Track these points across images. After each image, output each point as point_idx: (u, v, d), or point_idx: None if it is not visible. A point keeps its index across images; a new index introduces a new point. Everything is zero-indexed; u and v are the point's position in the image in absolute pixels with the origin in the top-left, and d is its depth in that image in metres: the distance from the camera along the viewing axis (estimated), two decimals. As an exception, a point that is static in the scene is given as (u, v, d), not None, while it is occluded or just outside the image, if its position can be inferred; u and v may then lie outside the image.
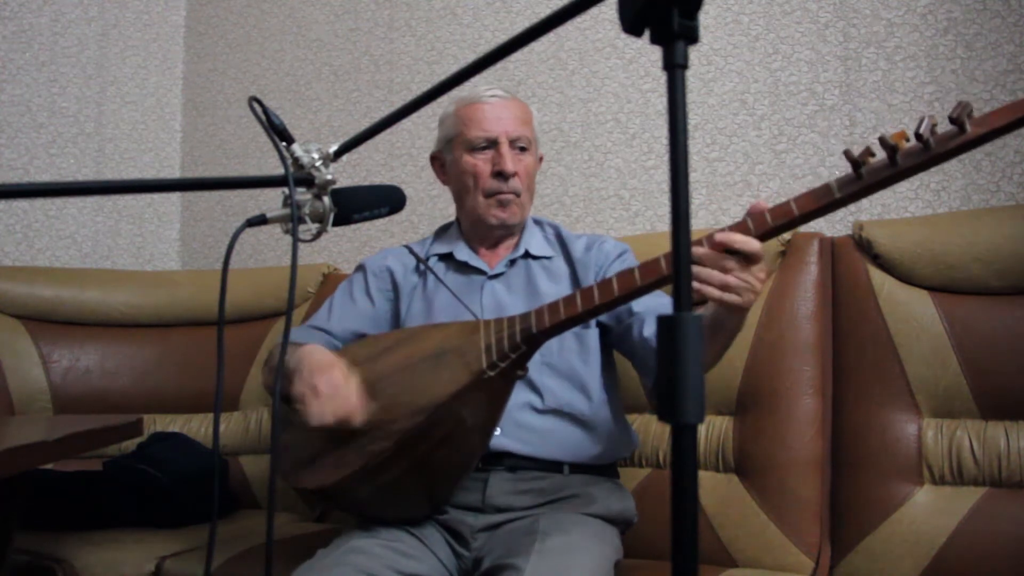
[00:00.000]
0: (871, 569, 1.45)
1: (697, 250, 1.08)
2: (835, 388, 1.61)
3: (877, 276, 1.60)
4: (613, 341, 1.47)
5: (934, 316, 1.53)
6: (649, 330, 1.35)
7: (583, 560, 1.18)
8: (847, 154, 1.02)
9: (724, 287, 1.08)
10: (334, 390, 1.23)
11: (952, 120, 0.97)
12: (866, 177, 1.03)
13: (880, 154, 1.02)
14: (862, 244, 1.63)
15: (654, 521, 1.48)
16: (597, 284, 1.17)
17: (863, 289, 1.60)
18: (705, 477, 1.61)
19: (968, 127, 0.98)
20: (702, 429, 1.65)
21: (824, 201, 1.06)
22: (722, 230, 1.09)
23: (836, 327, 1.64)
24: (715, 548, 1.55)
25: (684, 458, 0.55)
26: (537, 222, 1.59)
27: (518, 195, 1.47)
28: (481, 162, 1.46)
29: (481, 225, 1.50)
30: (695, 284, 1.07)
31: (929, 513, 1.45)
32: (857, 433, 1.54)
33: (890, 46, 1.87)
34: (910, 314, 1.54)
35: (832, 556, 1.51)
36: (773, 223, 1.09)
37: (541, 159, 1.58)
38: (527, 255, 1.51)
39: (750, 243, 1.07)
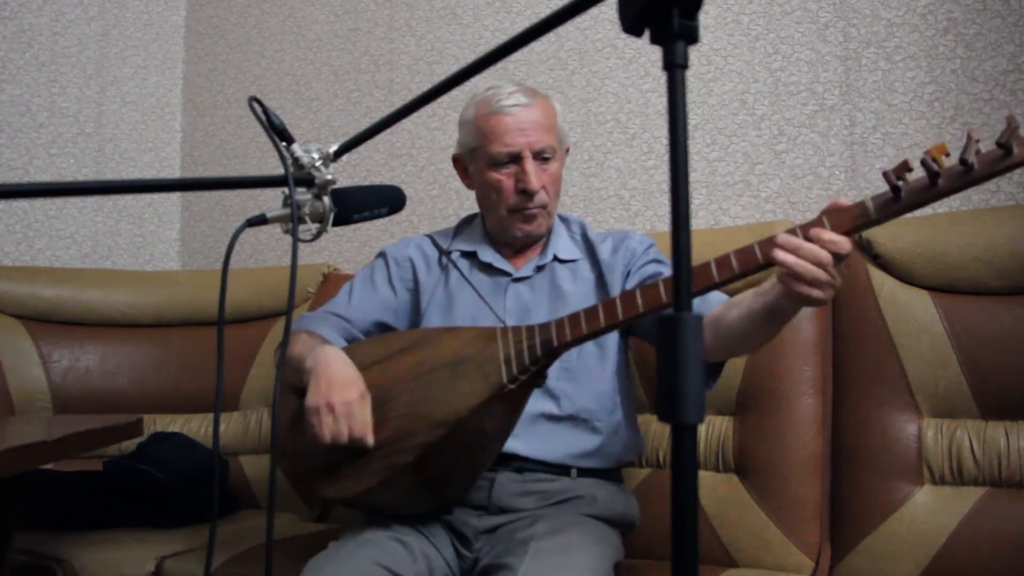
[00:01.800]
0: (871, 569, 1.45)
1: (794, 241, 1.02)
2: (835, 388, 1.61)
3: (877, 276, 1.60)
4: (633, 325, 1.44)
5: (934, 316, 1.52)
6: None
7: (579, 560, 1.18)
8: (886, 176, 0.98)
9: (815, 283, 1.02)
10: (349, 410, 1.22)
11: (999, 145, 0.94)
12: (905, 198, 0.99)
13: (918, 171, 0.98)
14: (862, 244, 1.63)
15: (654, 521, 1.48)
16: (620, 298, 1.15)
17: (863, 289, 1.60)
18: (705, 477, 1.61)
19: (1015, 149, 0.94)
20: (702, 429, 1.65)
21: (859, 222, 1.03)
22: (807, 226, 1.05)
23: (836, 327, 1.64)
24: (715, 548, 1.55)
25: (684, 458, 0.55)
26: (563, 219, 1.56)
27: (544, 207, 1.44)
28: (505, 178, 1.42)
29: (507, 235, 1.48)
30: (785, 275, 1.03)
31: (929, 513, 1.45)
32: (857, 433, 1.54)
33: (890, 46, 1.87)
34: (910, 314, 1.54)
35: (832, 556, 1.51)
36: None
37: (568, 150, 1.53)
38: (555, 259, 1.48)
39: (844, 244, 1.02)
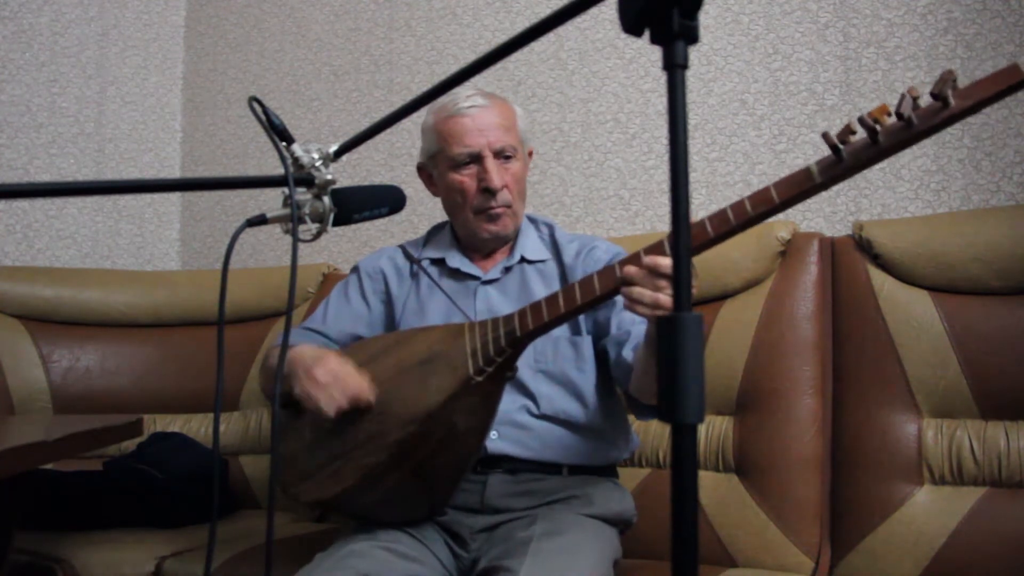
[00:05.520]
0: (871, 569, 1.45)
1: (629, 270, 1.07)
2: (835, 388, 1.61)
3: (877, 276, 1.60)
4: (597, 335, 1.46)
5: (934, 316, 1.53)
6: (626, 351, 1.34)
7: (580, 561, 1.18)
8: (826, 137, 0.98)
9: (655, 305, 1.06)
10: (334, 376, 1.24)
11: (934, 96, 0.93)
12: (847, 159, 0.98)
13: (860, 133, 0.97)
14: (862, 244, 1.63)
15: (654, 521, 1.48)
16: (578, 283, 1.16)
17: (863, 289, 1.60)
18: (705, 477, 1.61)
19: (952, 100, 0.93)
20: (702, 429, 1.65)
21: (805, 187, 1.02)
22: (650, 249, 1.09)
23: (836, 327, 1.64)
24: (715, 548, 1.55)
25: (684, 458, 0.55)
26: (532, 220, 1.57)
27: (509, 206, 1.44)
28: (467, 179, 1.42)
29: (475, 239, 1.48)
30: (627, 303, 1.09)
31: (929, 513, 1.45)
32: (857, 433, 1.54)
33: (890, 46, 1.87)
34: (910, 314, 1.54)
35: (832, 556, 1.52)
36: (753, 211, 1.05)
37: (531, 154, 1.54)
38: (522, 260, 1.49)
39: (663, 264, 1.05)
